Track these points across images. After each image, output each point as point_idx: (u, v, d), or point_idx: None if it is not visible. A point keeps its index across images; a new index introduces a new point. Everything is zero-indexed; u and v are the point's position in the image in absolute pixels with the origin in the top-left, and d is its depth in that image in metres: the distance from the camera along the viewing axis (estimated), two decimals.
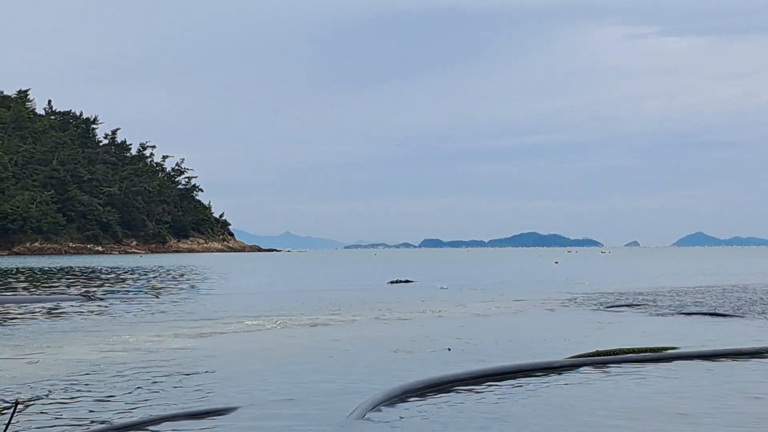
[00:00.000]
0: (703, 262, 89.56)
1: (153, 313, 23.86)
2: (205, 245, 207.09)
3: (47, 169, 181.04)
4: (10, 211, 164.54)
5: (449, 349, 15.40)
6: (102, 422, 9.41)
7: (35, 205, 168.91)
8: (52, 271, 63.05)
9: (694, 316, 22.61)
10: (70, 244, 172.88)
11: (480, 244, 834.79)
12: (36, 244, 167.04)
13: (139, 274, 57.35)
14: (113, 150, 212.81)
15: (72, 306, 26.13)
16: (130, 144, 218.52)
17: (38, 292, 34.82)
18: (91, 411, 10.09)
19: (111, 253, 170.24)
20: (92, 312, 24.16)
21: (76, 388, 11.60)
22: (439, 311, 24.22)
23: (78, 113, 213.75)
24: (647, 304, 26.26)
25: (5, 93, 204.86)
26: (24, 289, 37.68)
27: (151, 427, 9.20)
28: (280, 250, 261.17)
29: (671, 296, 30.15)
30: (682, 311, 23.71)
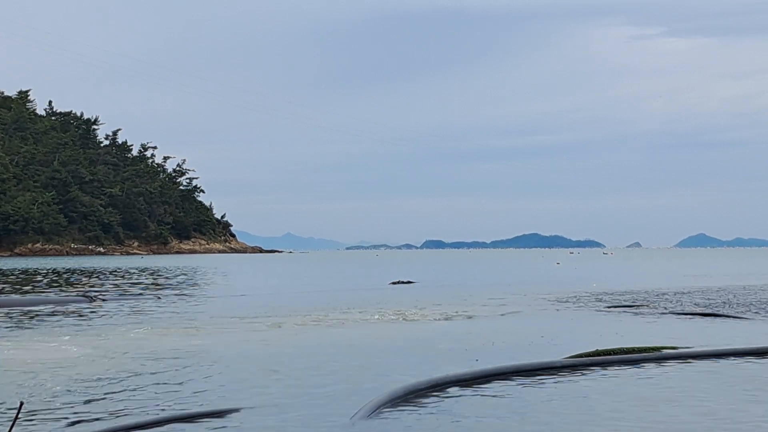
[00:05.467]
0: (704, 263, 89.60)
1: (154, 315, 23.90)
2: (207, 246, 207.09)
3: (48, 170, 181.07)
4: (11, 212, 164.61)
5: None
6: (104, 423, 9.47)
7: (36, 206, 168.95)
8: (53, 272, 63.11)
9: (694, 316, 22.65)
10: (72, 245, 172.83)
11: (482, 245, 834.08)
12: (37, 245, 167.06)
13: (141, 275, 57.41)
14: (114, 151, 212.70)
15: (74, 307, 26.18)
16: (131, 145, 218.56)
17: (40, 293, 34.89)
18: (93, 412, 10.15)
19: (112, 254, 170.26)
20: (94, 313, 24.22)
21: (78, 389, 11.65)
22: (442, 312, 24.26)
23: (79, 114, 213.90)
24: (648, 305, 26.31)
25: (6, 94, 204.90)
26: (25, 290, 37.75)
27: (153, 428, 9.26)
28: (281, 251, 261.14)
29: (672, 297, 30.18)
30: (683, 312, 23.74)
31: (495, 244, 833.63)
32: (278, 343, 16.84)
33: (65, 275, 56.04)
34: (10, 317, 22.81)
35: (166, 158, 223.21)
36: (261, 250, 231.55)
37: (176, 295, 33.89)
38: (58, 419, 9.73)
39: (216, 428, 9.35)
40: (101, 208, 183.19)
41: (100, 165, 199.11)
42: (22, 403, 7.72)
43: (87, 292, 34.40)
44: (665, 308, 25.12)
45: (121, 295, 33.29)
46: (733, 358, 14.33)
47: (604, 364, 13.47)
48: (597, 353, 14.11)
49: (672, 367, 13.47)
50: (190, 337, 18.07)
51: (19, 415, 8.04)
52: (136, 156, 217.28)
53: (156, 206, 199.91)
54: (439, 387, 11.37)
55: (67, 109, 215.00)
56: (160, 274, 59.77)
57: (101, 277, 53.70)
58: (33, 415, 9.92)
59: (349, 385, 11.80)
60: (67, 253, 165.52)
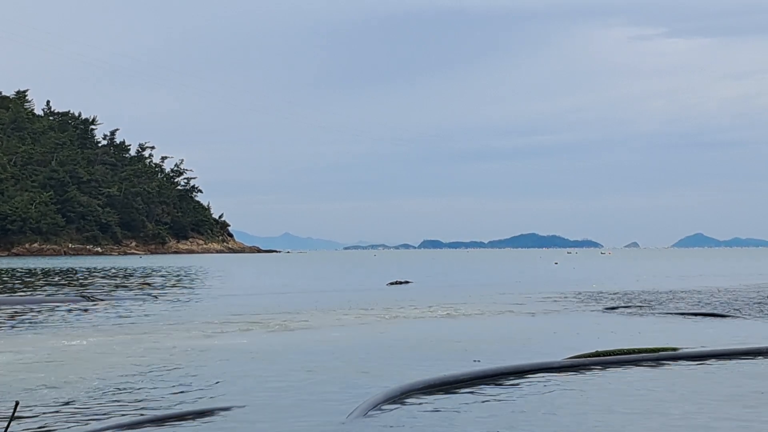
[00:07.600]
0: (702, 263, 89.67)
1: (152, 314, 23.86)
2: (205, 246, 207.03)
3: (46, 170, 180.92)
4: (9, 212, 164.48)
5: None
6: (98, 422, 9.41)
7: (34, 206, 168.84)
8: (51, 272, 63.02)
9: (693, 316, 22.62)
10: (70, 245, 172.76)
11: (480, 245, 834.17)
12: (35, 245, 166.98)
13: (139, 275, 57.34)
14: (112, 151, 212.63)
15: (71, 307, 26.11)
16: (129, 145, 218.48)
17: (38, 293, 34.81)
18: (91, 410, 10.09)
19: (110, 254, 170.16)
20: (91, 313, 24.16)
21: (76, 388, 11.60)
22: (439, 312, 24.23)
23: (77, 114, 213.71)
24: (647, 305, 26.29)
25: (4, 93, 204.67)
26: (24, 290, 37.67)
27: (150, 426, 9.21)
28: (279, 251, 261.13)
29: (670, 297, 30.16)
30: (681, 312, 23.72)
31: (493, 244, 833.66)
32: (275, 343, 16.80)
33: (63, 275, 55.93)
34: (6, 317, 22.73)
35: (164, 158, 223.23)
36: (259, 250, 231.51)
37: (173, 295, 33.84)
38: (53, 418, 9.66)
39: (213, 426, 9.30)
40: (99, 208, 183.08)
41: (98, 165, 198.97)
42: (17, 403, 7.66)
43: (84, 291, 34.34)
44: (664, 308, 25.09)
45: (118, 294, 33.22)
46: (733, 358, 14.29)
47: (604, 365, 13.42)
48: (597, 354, 14.07)
49: (672, 367, 13.43)
50: (187, 337, 18.02)
51: (15, 415, 7.97)
52: (134, 156, 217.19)
53: (154, 206, 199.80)
54: (436, 387, 11.31)
55: (65, 109, 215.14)
56: (157, 274, 59.69)
57: (99, 276, 53.61)
58: (29, 414, 9.85)
59: (346, 384, 11.75)
60: (65, 253, 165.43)
